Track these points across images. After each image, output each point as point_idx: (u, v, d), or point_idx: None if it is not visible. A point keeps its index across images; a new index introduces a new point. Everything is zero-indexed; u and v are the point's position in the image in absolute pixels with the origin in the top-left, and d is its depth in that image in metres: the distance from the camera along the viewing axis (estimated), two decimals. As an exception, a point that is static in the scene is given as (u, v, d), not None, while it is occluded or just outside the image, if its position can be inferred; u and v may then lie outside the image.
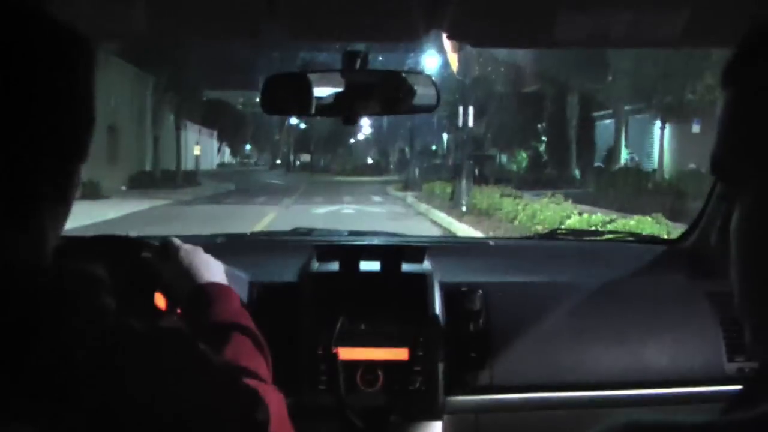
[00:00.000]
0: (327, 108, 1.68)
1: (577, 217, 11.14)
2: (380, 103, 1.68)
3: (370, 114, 1.75)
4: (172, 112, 29.23)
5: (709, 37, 1.53)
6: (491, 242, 2.27)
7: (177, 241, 1.45)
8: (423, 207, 19.44)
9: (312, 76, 1.66)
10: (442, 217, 16.06)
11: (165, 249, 1.45)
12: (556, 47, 1.62)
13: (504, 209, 14.46)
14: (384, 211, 18.86)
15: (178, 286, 1.37)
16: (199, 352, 0.80)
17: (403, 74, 1.68)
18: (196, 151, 36.26)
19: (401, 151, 46.25)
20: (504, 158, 33.06)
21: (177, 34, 1.70)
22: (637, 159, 24.27)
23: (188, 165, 34.10)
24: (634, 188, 17.17)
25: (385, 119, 39.26)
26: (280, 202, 21.10)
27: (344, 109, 1.67)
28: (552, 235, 2.57)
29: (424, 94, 1.68)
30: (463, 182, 17.02)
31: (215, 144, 51.50)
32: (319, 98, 1.65)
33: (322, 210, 18.52)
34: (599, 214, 11.34)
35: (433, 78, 1.70)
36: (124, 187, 25.34)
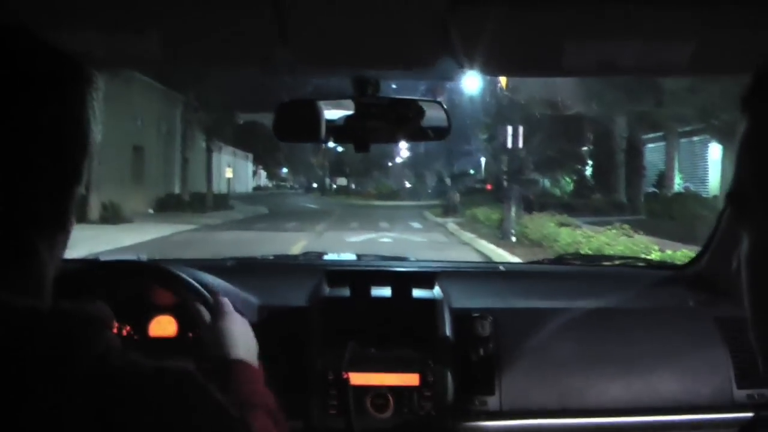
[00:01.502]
0: (338, 134, 1.70)
1: (658, 253, 9.25)
2: (391, 130, 1.70)
3: (381, 141, 1.77)
4: (202, 132, 28.26)
5: (719, 65, 1.53)
6: (501, 267, 2.28)
7: (228, 305, 1.46)
8: (467, 236, 17.61)
9: (323, 103, 1.69)
10: (490, 248, 14.20)
11: (215, 306, 1.47)
12: (566, 75, 1.62)
13: (562, 241, 12.65)
14: (425, 240, 17.19)
15: (210, 345, 1.37)
16: (214, 398, 0.77)
17: (414, 101, 1.70)
18: (228, 173, 35.57)
19: (438, 175, 45.23)
20: (546, 182, 30.87)
21: (188, 62, 1.73)
22: (690, 186, 23.00)
23: (221, 188, 33.52)
24: (693, 216, 14.94)
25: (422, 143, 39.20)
26: (313, 228, 19.95)
27: (355, 136, 1.69)
28: (561, 260, 2.56)
29: (435, 120, 1.69)
30: (512, 209, 15.68)
31: (250, 167, 50.79)
32: (330, 124, 1.67)
33: (357, 238, 17.04)
34: (684, 250, 9.06)
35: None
36: (151, 210, 24.41)
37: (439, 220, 25.18)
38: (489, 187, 30.33)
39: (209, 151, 29.11)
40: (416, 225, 23.10)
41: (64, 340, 0.68)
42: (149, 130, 25.65)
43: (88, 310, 0.72)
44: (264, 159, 48.76)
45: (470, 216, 21.85)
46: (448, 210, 27.17)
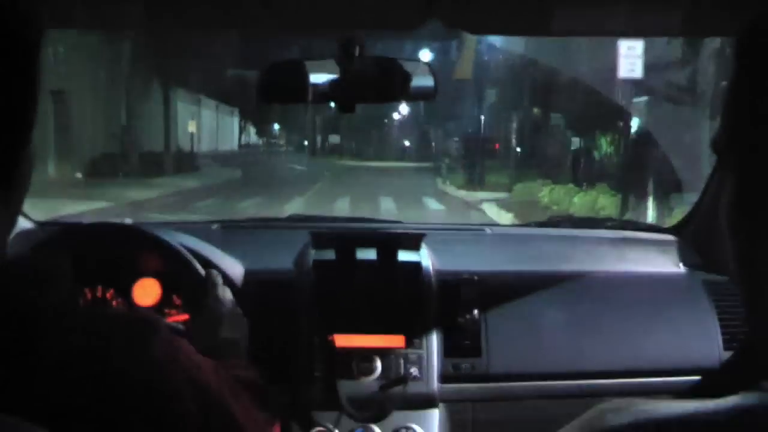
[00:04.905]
0: (324, 95, 1.68)
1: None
2: (377, 91, 1.67)
3: (367, 101, 1.74)
4: (159, 77, 22.94)
5: (709, 26, 1.51)
6: (488, 230, 2.27)
7: (218, 278, 1.44)
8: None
9: (309, 64, 1.66)
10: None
11: (204, 281, 1.45)
12: (555, 35, 1.60)
13: None
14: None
15: (201, 329, 1.37)
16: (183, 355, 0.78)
17: (400, 61, 1.67)
18: (191, 127, 29.25)
19: (446, 134, 40.40)
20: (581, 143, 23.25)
21: (170, 24, 1.70)
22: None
23: (202, 146, 30.00)
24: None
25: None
26: (281, 207, 14.36)
27: (341, 97, 1.67)
28: (549, 222, 2.56)
29: (421, 80, 1.67)
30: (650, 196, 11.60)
31: (236, 123, 46.20)
32: (315, 86, 1.65)
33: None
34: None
35: (431, 65, 1.67)
36: (79, 175, 18.50)
37: (464, 194, 18.33)
38: (496, 146, 25.76)
39: (167, 100, 23.83)
40: (434, 205, 16.57)
41: (13, 294, 0.69)
42: (76, 70, 18.49)
43: (39, 266, 0.73)
44: (252, 114, 46.01)
45: (524, 193, 15.65)
46: (472, 179, 20.78)
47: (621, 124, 15.64)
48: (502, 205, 14.53)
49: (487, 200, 15.59)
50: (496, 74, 22.27)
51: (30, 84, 0.73)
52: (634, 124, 13.87)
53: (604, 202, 12.49)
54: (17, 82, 0.72)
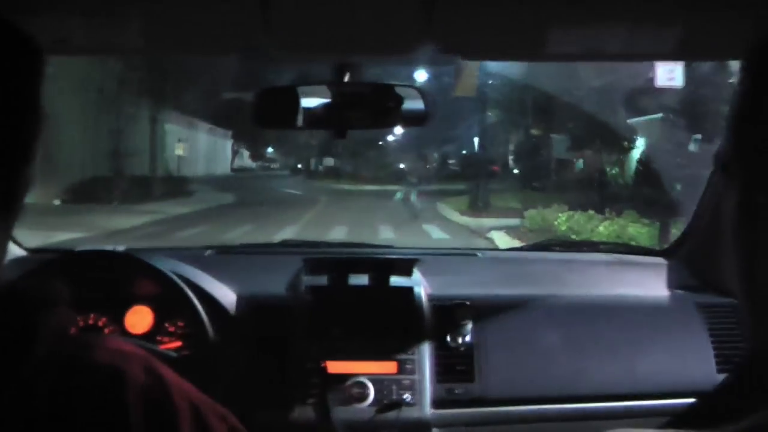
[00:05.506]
0: (317, 121, 1.68)
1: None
2: (369, 116, 1.68)
3: (359, 127, 1.75)
4: (145, 98, 21.52)
5: (706, 50, 1.51)
6: (479, 254, 2.26)
7: None
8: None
9: (301, 90, 1.66)
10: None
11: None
12: (551, 60, 1.60)
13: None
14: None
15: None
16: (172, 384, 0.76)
17: (392, 86, 1.67)
18: (179, 150, 27.66)
19: (443, 157, 39.37)
20: (580, 164, 21.80)
21: (168, 49, 1.70)
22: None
23: (197, 170, 29.03)
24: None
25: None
26: (276, 234, 13.35)
27: (334, 122, 1.67)
28: (541, 246, 2.56)
29: (414, 105, 1.67)
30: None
31: (230, 146, 44.85)
32: (307, 111, 1.65)
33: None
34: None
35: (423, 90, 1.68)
36: (57, 201, 17.33)
37: (469, 221, 16.09)
38: (495, 168, 24.35)
39: (154, 123, 22.49)
40: (437, 233, 14.75)
41: (7, 319, 0.68)
42: (59, 91, 16.05)
43: (33, 292, 0.72)
44: (245, 137, 45.14)
45: (531, 219, 13.84)
46: (476, 204, 18.33)
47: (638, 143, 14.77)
48: (513, 233, 12.95)
49: (496, 228, 13.86)
50: (501, 91, 20.81)
51: (31, 108, 0.74)
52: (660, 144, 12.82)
53: (634, 231, 10.79)
54: (18, 105, 0.72)
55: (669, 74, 10.81)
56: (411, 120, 1.70)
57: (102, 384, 0.71)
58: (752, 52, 0.63)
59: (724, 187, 0.65)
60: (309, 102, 1.64)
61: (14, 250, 1.97)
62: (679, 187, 11.08)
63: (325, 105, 1.64)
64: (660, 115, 12.70)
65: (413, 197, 18.71)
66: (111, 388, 0.71)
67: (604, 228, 11.31)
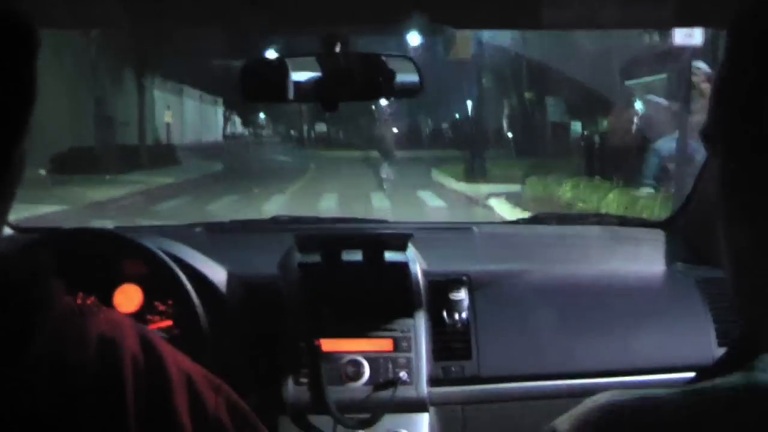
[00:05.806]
0: (307, 94, 1.64)
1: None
2: (360, 88, 1.64)
3: (350, 99, 1.71)
4: (131, 65, 20.98)
5: (701, 17, 1.48)
6: (475, 228, 2.23)
7: None
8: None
9: (290, 62, 1.62)
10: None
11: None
12: (543, 29, 1.58)
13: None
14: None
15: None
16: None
17: (383, 57, 1.63)
18: (167, 117, 27.00)
19: (436, 122, 38.33)
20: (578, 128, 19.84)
21: (152, 21, 1.66)
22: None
23: (184, 138, 28.49)
24: None
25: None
26: (263, 205, 13.08)
27: (324, 95, 1.63)
28: (537, 219, 2.53)
29: (405, 76, 1.63)
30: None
31: (221, 113, 43.50)
32: (297, 84, 1.61)
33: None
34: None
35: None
36: (42, 171, 15.61)
37: (465, 188, 15.41)
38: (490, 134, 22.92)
39: (141, 90, 21.83)
40: (433, 201, 14.05)
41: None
42: (41, 57, 13.62)
43: (24, 269, 0.72)
44: (236, 104, 44.64)
45: (531, 186, 12.97)
46: (473, 171, 17.55)
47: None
48: (513, 200, 12.41)
49: (495, 194, 13.21)
50: (497, 54, 19.92)
51: (24, 86, 0.73)
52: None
53: (647, 203, 9.65)
54: (9, 83, 0.71)
55: (688, 31, 10.70)
56: (403, 91, 1.67)
57: (97, 353, 0.71)
58: (734, 20, 0.63)
59: (711, 162, 0.65)
60: (299, 74, 1.60)
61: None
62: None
63: (315, 77, 1.60)
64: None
65: (385, 171, 16.67)
66: (105, 357, 0.71)
67: (613, 196, 10.50)
